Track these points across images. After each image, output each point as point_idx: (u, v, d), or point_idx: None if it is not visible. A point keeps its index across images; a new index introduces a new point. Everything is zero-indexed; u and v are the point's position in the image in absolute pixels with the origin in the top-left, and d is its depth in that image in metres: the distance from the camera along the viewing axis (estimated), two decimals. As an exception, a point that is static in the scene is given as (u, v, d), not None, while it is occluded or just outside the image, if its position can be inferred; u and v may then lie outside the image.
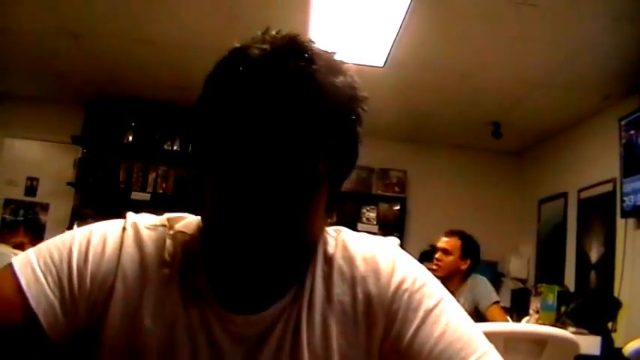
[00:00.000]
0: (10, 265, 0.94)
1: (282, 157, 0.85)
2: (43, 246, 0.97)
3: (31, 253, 0.96)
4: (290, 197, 0.88)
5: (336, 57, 0.93)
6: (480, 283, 3.88)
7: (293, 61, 0.87)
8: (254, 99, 0.85)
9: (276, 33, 0.92)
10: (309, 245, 0.98)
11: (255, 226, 0.87)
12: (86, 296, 0.93)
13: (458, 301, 1.01)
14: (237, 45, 0.92)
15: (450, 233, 3.94)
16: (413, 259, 1.03)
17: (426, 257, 4.47)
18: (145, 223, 1.01)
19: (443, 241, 3.89)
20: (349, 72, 0.93)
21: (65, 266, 0.93)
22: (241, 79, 0.87)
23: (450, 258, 3.83)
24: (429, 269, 1.03)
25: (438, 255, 3.84)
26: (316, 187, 0.90)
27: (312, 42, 0.92)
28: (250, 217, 0.87)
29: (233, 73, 0.88)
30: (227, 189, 0.88)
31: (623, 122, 4.74)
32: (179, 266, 0.97)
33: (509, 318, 3.98)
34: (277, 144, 0.85)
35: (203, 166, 0.94)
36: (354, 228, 1.09)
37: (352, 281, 0.98)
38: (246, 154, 0.85)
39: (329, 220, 1.01)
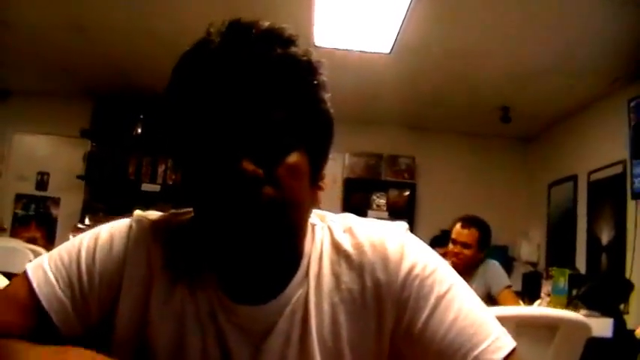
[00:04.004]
0: (25, 271, 0.98)
1: (250, 130, 0.85)
2: (54, 251, 1.01)
3: (44, 257, 1.00)
4: (267, 161, 0.86)
5: (286, 30, 0.92)
6: (492, 268, 3.86)
7: (245, 44, 0.88)
8: (214, 81, 0.87)
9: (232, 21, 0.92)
10: (300, 224, 0.95)
11: (238, 214, 0.85)
12: (96, 294, 0.96)
13: (470, 286, 1.00)
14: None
15: (467, 223, 3.86)
16: (423, 243, 1.02)
17: (437, 242, 4.46)
18: (150, 220, 1.03)
19: (463, 234, 3.83)
20: (298, 41, 0.92)
21: (74, 267, 0.97)
22: (202, 64, 0.88)
23: (470, 251, 3.80)
24: (441, 254, 1.02)
25: (457, 249, 3.80)
26: (288, 149, 0.88)
27: (261, 21, 0.91)
28: (232, 205, 0.85)
29: (197, 59, 0.90)
30: (201, 180, 0.88)
31: (631, 104, 4.72)
32: (185, 260, 0.98)
33: (521, 302, 3.98)
34: (243, 119, 0.85)
35: (177, 156, 0.95)
36: (364, 215, 1.09)
37: (360, 269, 0.97)
38: (214, 139, 0.86)
39: (317, 201, 0.98)
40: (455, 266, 3.77)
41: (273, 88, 0.87)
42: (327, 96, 0.94)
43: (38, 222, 5.60)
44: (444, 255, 3.61)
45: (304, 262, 0.98)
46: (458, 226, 3.87)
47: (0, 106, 6.80)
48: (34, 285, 0.95)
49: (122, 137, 6.63)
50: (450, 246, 3.84)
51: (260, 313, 0.95)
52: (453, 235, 3.85)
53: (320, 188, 0.97)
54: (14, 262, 3.33)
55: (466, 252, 3.78)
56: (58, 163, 6.95)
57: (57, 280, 0.96)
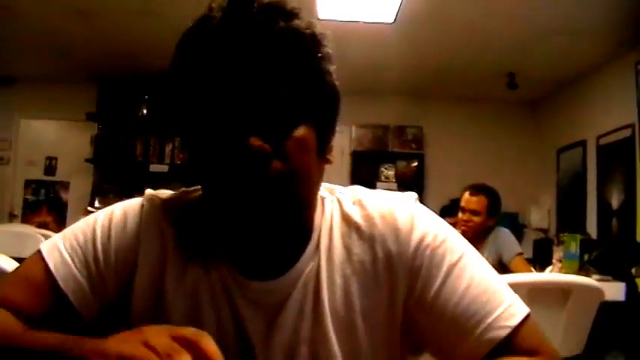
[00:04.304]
0: (39, 251, 0.98)
1: (255, 107, 0.85)
2: (68, 230, 1.02)
3: (58, 237, 1.00)
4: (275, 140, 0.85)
5: (288, 3, 0.90)
6: (503, 235, 3.86)
7: (247, 18, 0.87)
8: (217, 58, 0.86)
9: None
10: (310, 197, 0.95)
11: (247, 190, 0.85)
12: (112, 272, 0.97)
13: (481, 255, 1.00)
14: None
15: (475, 191, 3.86)
16: (432, 213, 1.02)
17: (446, 212, 4.46)
18: (161, 197, 1.03)
19: (471, 201, 3.82)
20: (301, 13, 0.91)
21: (90, 246, 0.98)
22: (204, 40, 0.88)
23: (479, 218, 3.80)
24: (451, 224, 1.02)
25: (466, 216, 3.79)
26: (295, 122, 0.88)
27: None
28: (241, 181, 0.85)
29: (199, 36, 0.89)
30: (209, 158, 0.88)
31: (639, 67, 4.68)
32: (197, 236, 0.99)
33: (532, 269, 3.98)
34: (247, 95, 0.85)
35: (183, 134, 0.95)
36: (372, 187, 1.08)
37: (371, 240, 0.97)
38: (219, 115, 0.85)
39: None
40: (464, 234, 3.78)
41: (277, 62, 0.86)
42: (332, 68, 0.93)
43: (49, 207, 5.61)
44: (454, 224, 3.61)
45: (315, 235, 0.98)
46: (466, 194, 3.86)
47: (6, 93, 6.82)
48: (51, 266, 0.95)
49: (128, 119, 6.64)
50: (460, 214, 3.84)
51: (273, 288, 0.95)
52: (462, 204, 3.84)
53: (328, 161, 0.96)
54: (26, 248, 3.35)
55: (475, 219, 3.78)
56: (66, 147, 6.98)
57: (73, 260, 0.96)
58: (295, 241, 0.97)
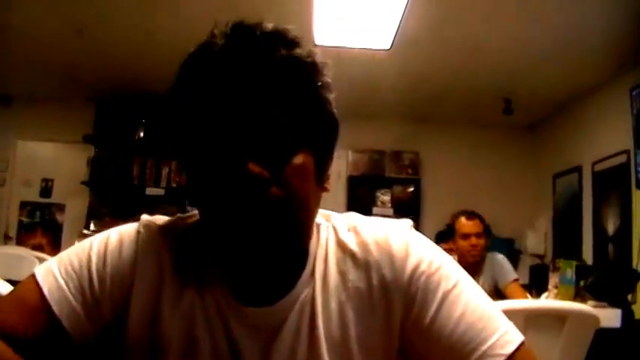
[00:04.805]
0: (33, 275, 0.98)
1: (257, 133, 0.86)
2: (63, 255, 1.01)
3: (53, 262, 1.00)
4: (275, 167, 0.86)
5: (290, 32, 0.92)
6: (499, 261, 3.88)
7: (249, 45, 0.88)
8: (219, 83, 0.87)
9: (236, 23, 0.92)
10: (307, 224, 0.96)
11: (245, 215, 0.86)
12: (107, 298, 0.97)
13: (477, 281, 1.00)
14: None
15: (470, 215, 3.91)
16: (427, 240, 1.02)
17: (442, 237, 4.46)
18: (157, 224, 1.03)
19: (472, 225, 3.86)
20: (303, 42, 0.92)
21: (85, 271, 0.97)
22: (206, 66, 0.89)
23: (483, 240, 3.84)
24: (446, 250, 1.03)
25: (474, 241, 3.82)
26: (295, 149, 0.89)
27: (265, 23, 0.91)
28: (239, 206, 0.86)
29: (201, 61, 0.90)
30: (208, 182, 0.89)
31: (634, 93, 4.71)
32: (193, 262, 0.99)
33: (528, 295, 3.98)
34: (250, 121, 0.86)
35: (182, 158, 0.96)
36: (369, 212, 1.09)
37: (366, 267, 0.97)
38: (220, 140, 0.86)
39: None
40: (474, 258, 3.80)
41: (277, 90, 0.87)
42: (331, 96, 0.95)
43: (44, 229, 5.60)
44: (449, 251, 3.62)
45: (310, 261, 0.99)
46: (463, 219, 3.88)
47: (3, 113, 6.83)
48: (45, 290, 0.95)
49: (125, 141, 6.64)
50: (462, 242, 3.84)
51: (268, 313, 0.95)
52: (464, 230, 3.85)
53: (325, 189, 0.97)
54: (21, 270, 3.34)
55: (481, 242, 3.82)
56: (62, 169, 6.96)
57: (67, 285, 0.96)
58: (291, 267, 0.97)
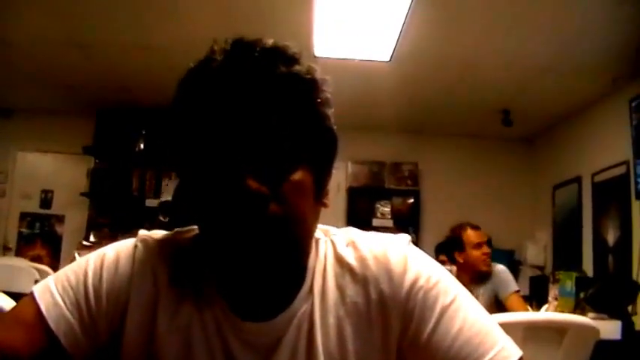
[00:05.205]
0: (31, 293, 0.98)
1: (257, 148, 0.86)
2: (61, 272, 1.01)
3: (50, 279, 1.00)
4: (274, 185, 0.86)
5: (290, 48, 0.92)
6: (500, 272, 3.87)
7: (248, 62, 0.88)
8: (218, 100, 0.87)
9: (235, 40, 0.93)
10: (305, 240, 0.96)
11: (244, 231, 0.86)
12: (104, 314, 0.96)
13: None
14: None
15: (474, 226, 3.94)
16: (425, 255, 1.02)
17: (442, 249, 4.46)
18: (154, 238, 1.03)
19: (481, 234, 3.89)
20: (302, 58, 0.92)
21: (82, 288, 0.97)
22: (205, 82, 0.89)
23: (491, 249, 3.88)
24: (444, 262, 1.02)
25: (487, 249, 3.85)
26: (295, 165, 0.88)
27: (265, 39, 0.91)
28: (238, 223, 0.86)
29: (201, 78, 0.90)
30: (206, 198, 0.89)
31: (633, 104, 4.72)
32: (190, 277, 0.98)
33: (528, 307, 3.97)
34: (250, 136, 0.86)
35: (181, 173, 0.96)
36: (368, 224, 1.09)
37: (364, 282, 0.97)
38: (219, 155, 0.86)
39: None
40: (487, 267, 3.82)
41: (276, 106, 0.87)
42: (330, 112, 0.95)
43: (43, 240, 5.61)
44: (444, 263, 3.64)
45: (309, 276, 0.98)
46: (469, 230, 3.89)
47: (2, 125, 6.84)
48: (42, 307, 0.95)
49: (125, 153, 6.65)
50: (474, 252, 3.84)
51: (266, 329, 0.95)
52: (475, 240, 3.85)
53: (324, 205, 0.97)
54: (20, 282, 3.33)
55: (490, 250, 3.86)
56: (62, 180, 6.97)
57: (64, 302, 0.96)
58: (289, 282, 0.97)
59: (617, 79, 4.92)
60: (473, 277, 3.72)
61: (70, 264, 1.03)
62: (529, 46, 4.50)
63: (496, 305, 3.63)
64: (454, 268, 3.68)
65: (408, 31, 4.25)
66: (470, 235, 3.87)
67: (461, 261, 3.79)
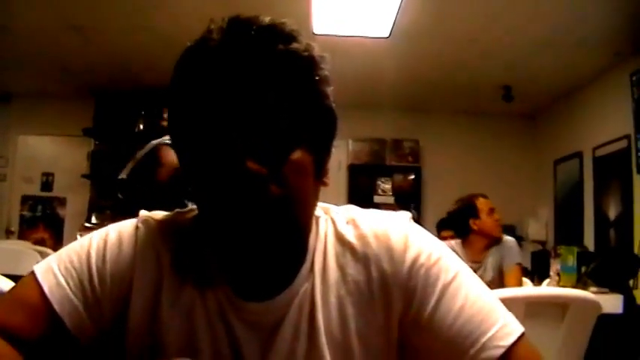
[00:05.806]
0: (33, 273, 0.97)
1: (255, 127, 0.85)
2: (62, 252, 1.00)
3: (52, 259, 0.99)
4: (275, 167, 0.85)
5: (287, 25, 0.90)
6: (509, 244, 3.87)
7: (245, 41, 0.87)
8: (215, 80, 0.86)
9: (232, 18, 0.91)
10: (306, 220, 0.96)
11: (244, 213, 0.86)
12: (108, 295, 0.96)
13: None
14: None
15: (483, 195, 3.95)
16: (426, 232, 1.01)
17: (443, 225, 4.45)
18: (155, 219, 1.02)
19: (490, 202, 3.90)
20: (300, 36, 0.90)
21: (85, 269, 0.96)
22: (202, 62, 0.88)
23: None
24: (446, 238, 1.02)
25: (497, 216, 3.86)
26: (293, 146, 0.87)
27: (262, 17, 0.90)
28: (238, 204, 0.85)
29: (198, 57, 0.89)
30: (206, 179, 0.88)
31: (634, 78, 4.70)
32: (192, 257, 0.98)
33: (527, 281, 3.98)
34: (249, 116, 0.85)
35: (180, 155, 0.94)
36: (369, 200, 1.08)
37: (365, 260, 0.97)
38: (218, 134, 0.85)
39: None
40: (498, 232, 3.83)
41: (275, 85, 0.86)
42: (329, 90, 0.93)
43: (45, 223, 5.62)
44: (445, 239, 3.64)
45: (309, 255, 0.98)
46: (481, 199, 3.89)
47: (2, 109, 6.84)
48: (46, 289, 0.94)
49: (125, 134, 6.63)
50: (489, 219, 3.83)
51: (268, 308, 0.95)
52: (489, 206, 3.86)
53: (324, 184, 0.96)
54: (22, 265, 3.34)
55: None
56: (63, 163, 6.98)
57: (68, 283, 0.95)
58: (290, 262, 0.96)
59: (618, 53, 4.89)
60: (487, 244, 3.72)
61: (72, 239, 1.02)
62: (530, 21, 4.47)
63: (499, 276, 3.65)
64: (459, 242, 3.70)
65: (407, 6, 4.22)
66: (482, 202, 3.87)
67: (475, 228, 3.78)
